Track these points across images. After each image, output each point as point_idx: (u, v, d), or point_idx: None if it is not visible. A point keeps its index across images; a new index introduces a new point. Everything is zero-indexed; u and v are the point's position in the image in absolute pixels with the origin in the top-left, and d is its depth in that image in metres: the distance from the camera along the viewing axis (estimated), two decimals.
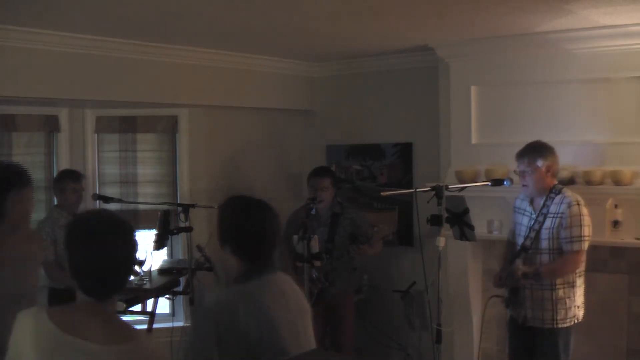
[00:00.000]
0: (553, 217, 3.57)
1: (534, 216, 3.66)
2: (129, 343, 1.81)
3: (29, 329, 1.76)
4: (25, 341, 1.75)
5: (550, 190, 3.62)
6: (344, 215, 4.59)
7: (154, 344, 1.96)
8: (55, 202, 4.54)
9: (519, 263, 3.59)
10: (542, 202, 3.63)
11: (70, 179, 4.38)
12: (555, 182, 3.67)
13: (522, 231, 3.71)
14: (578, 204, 3.54)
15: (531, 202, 3.71)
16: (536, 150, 3.62)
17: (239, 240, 2.25)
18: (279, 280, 2.33)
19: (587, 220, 3.54)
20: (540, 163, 3.58)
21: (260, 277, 2.25)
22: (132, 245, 1.88)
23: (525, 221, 3.71)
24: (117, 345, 1.78)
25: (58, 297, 3.91)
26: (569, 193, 3.60)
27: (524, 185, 3.69)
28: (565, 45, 4.29)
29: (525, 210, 3.75)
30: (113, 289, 1.85)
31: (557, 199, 3.58)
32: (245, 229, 2.26)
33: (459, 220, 3.65)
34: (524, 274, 3.51)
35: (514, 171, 3.78)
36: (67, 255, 1.83)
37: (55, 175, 4.62)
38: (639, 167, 4.12)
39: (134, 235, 1.89)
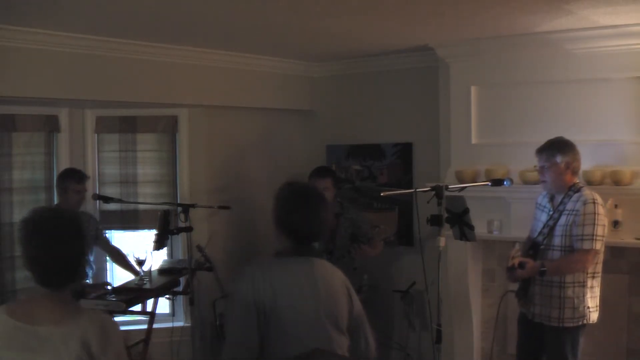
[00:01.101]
0: (568, 214, 3.54)
1: (551, 213, 3.65)
2: (77, 321, 1.99)
3: None
4: None
5: (570, 188, 3.59)
6: (345, 216, 4.58)
7: (101, 317, 2.09)
8: (56, 202, 4.55)
9: (513, 252, 3.58)
10: (560, 199, 3.62)
11: (73, 179, 4.38)
12: (576, 180, 3.64)
13: (540, 227, 3.70)
14: (594, 203, 3.49)
15: (551, 199, 3.70)
16: (555, 146, 3.60)
17: (291, 222, 2.41)
18: (316, 263, 2.44)
19: (602, 219, 3.49)
20: (559, 159, 3.55)
21: (300, 256, 2.39)
22: (81, 239, 2.04)
23: (543, 217, 3.70)
24: (63, 325, 1.96)
25: None
26: (587, 191, 3.56)
27: (542, 181, 3.68)
28: (565, 45, 4.29)
29: (545, 206, 3.74)
30: (65, 280, 2.02)
31: (575, 196, 3.55)
32: (298, 214, 2.41)
33: (459, 220, 3.64)
34: (520, 263, 3.50)
35: (534, 167, 3.77)
36: (22, 250, 2.00)
37: (57, 174, 4.62)
38: (639, 167, 4.12)
39: (83, 230, 2.06)
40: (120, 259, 4.78)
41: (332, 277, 2.46)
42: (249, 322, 2.26)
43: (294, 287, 2.32)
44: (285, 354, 2.22)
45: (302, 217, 2.40)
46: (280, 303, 2.27)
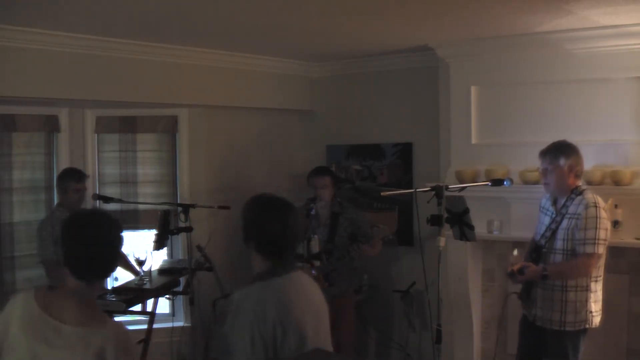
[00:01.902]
0: (570, 217, 3.53)
1: (554, 216, 3.64)
2: (101, 329, 2.07)
3: (18, 308, 2.06)
4: (14, 319, 2.04)
5: (572, 191, 3.58)
6: (344, 215, 4.58)
7: (123, 330, 2.17)
8: (57, 201, 4.55)
9: (513, 259, 3.58)
10: (563, 202, 3.61)
11: (73, 178, 4.38)
12: (579, 183, 3.63)
13: (543, 230, 3.69)
14: (596, 206, 3.47)
15: (554, 202, 3.69)
16: (559, 149, 3.60)
17: (262, 238, 2.34)
18: (300, 278, 2.40)
19: (604, 223, 3.47)
20: (562, 162, 3.55)
21: (283, 274, 2.32)
22: (119, 239, 2.21)
23: (547, 221, 3.69)
24: (87, 327, 2.04)
25: None
26: (589, 195, 3.54)
27: (545, 184, 3.67)
28: (565, 45, 4.29)
29: (547, 209, 3.73)
30: (101, 275, 2.20)
31: (577, 199, 3.54)
32: (268, 227, 2.34)
33: (459, 220, 3.64)
34: (520, 269, 3.49)
35: (537, 168, 3.77)
36: (63, 244, 2.13)
37: (57, 174, 4.61)
38: (639, 167, 4.12)
39: (121, 231, 2.22)
40: (120, 258, 4.78)
41: (316, 288, 2.44)
42: (259, 355, 2.18)
43: (297, 310, 2.26)
44: None
45: (286, 231, 2.33)
46: (289, 328, 2.21)
